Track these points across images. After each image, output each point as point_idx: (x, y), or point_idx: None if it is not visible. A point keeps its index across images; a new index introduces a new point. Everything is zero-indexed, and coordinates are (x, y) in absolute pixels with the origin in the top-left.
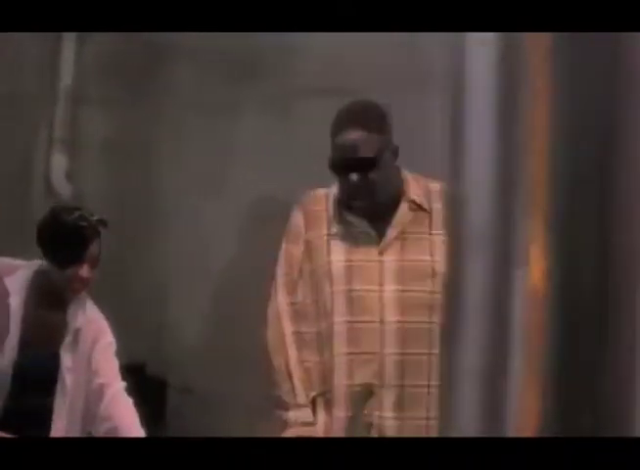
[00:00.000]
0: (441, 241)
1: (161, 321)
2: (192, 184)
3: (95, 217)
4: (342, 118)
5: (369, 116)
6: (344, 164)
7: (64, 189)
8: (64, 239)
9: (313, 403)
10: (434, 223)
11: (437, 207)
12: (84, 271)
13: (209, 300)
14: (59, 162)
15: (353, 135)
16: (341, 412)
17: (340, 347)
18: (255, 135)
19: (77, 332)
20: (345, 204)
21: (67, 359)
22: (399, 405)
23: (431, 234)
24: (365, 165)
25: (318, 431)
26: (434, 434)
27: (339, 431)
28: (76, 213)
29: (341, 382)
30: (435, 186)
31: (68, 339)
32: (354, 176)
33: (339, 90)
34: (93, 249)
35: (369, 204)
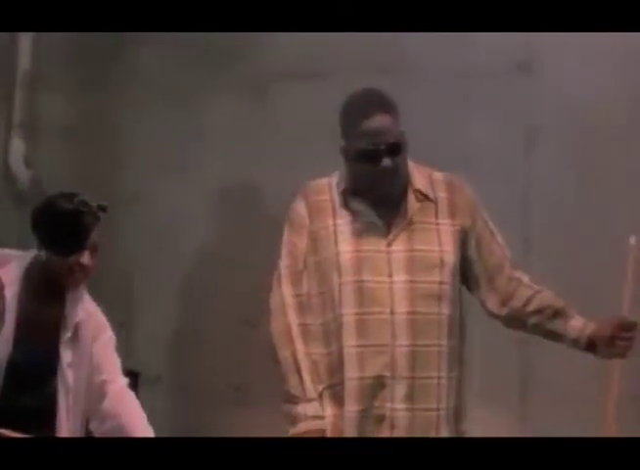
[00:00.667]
0: (448, 230)
1: (129, 309)
2: (158, 169)
3: (95, 203)
4: (363, 105)
5: (388, 101)
6: (376, 150)
7: (22, 174)
8: (65, 226)
9: (320, 396)
10: (439, 213)
11: (442, 196)
12: (86, 259)
13: (177, 286)
14: (17, 146)
15: (382, 121)
16: (351, 406)
17: (349, 339)
18: (225, 119)
19: (78, 326)
20: (371, 191)
21: (67, 355)
22: (410, 397)
23: (437, 224)
24: (395, 151)
25: (327, 424)
26: (443, 424)
27: (349, 424)
28: (76, 200)
29: (351, 375)
30: (438, 176)
31: (67, 333)
32: (386, 161)
33: (312, 75)
34: (94, 236)
35: (392, 190)
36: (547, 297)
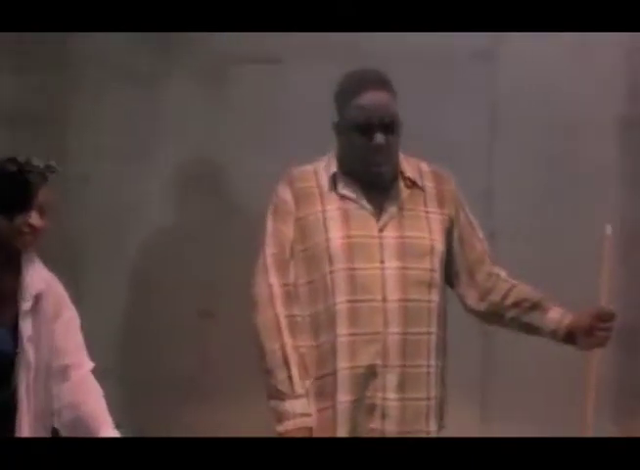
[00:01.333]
0: (437, 219)
1: (75, 298)
2: (111, 150)
3: (42, 164)
4: (360, 81)
5: (386, 80)
6: (370, 124)
7: None
8: (9, 186)
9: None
10: (428, 201)
11: (430, 185)
12: (34, 219)
13: (128, 275)
14: None
15: (379, 97)
16: (344, 396)
17: (342, 328)
18: (180, 103)
19: (38, 298)
20: (362, 169)
21: (26, 327)
22: (402, 386)
23: (427, 212)
24: (389, 128)
25: (314, 422)
26: (432, 415)
27: (341, 414)
28: (21, 160)
29: (344, 364)
30: (425, 166)
31: (26, 304)
32: (379, 137)
33: (269, 59)
34: (42, 196)
35: (382, 170)
36: (524, 290)
